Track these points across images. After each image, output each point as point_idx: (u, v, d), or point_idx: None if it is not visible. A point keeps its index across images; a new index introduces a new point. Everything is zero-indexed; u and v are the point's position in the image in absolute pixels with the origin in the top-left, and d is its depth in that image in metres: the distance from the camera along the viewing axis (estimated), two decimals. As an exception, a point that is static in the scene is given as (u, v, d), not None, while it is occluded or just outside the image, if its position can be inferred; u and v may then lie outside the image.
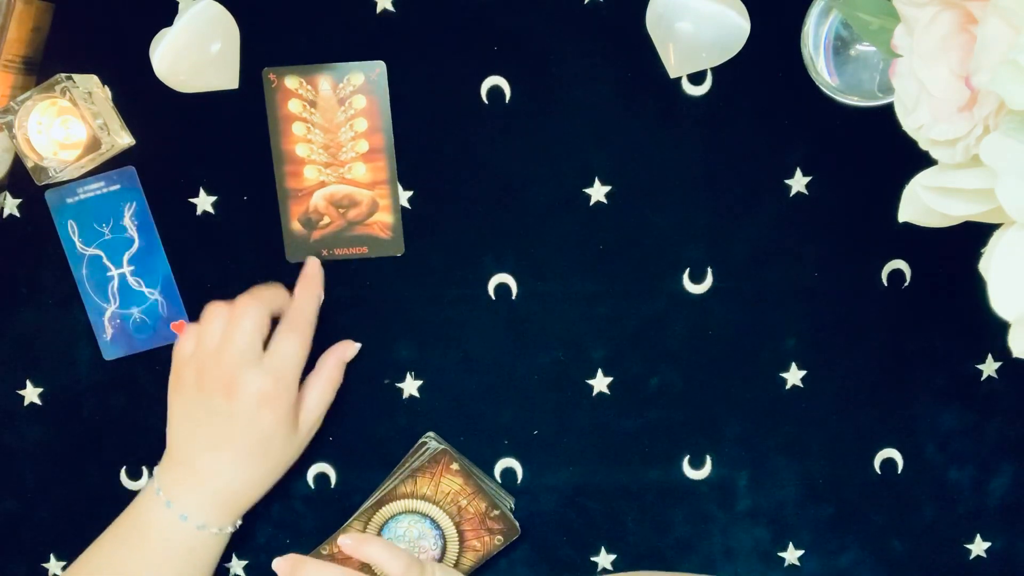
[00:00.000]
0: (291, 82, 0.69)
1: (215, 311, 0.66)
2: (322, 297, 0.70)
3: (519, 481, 0.73)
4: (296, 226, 0.71)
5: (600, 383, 0.72)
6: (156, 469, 0.67)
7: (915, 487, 0.73)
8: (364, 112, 0.69)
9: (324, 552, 0.72)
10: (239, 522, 0.68)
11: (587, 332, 0.72)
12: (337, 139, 0.69)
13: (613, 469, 0.73)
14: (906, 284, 0.71)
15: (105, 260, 0.71)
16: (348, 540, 0.61)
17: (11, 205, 0.71)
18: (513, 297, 0.71)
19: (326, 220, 0.71)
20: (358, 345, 0.71)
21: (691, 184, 0.70)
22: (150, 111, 0.70)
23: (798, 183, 0.70)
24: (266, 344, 0.66)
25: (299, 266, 0.70)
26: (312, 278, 0.69)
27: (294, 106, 0.69)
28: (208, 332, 0.66)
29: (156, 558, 0.65)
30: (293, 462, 0.69)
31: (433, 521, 0.71)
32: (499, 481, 0.73)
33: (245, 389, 0.65)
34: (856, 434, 0.72)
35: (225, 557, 0.70)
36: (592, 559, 0.74)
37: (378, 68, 0.69)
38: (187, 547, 0.65)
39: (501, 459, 0.73)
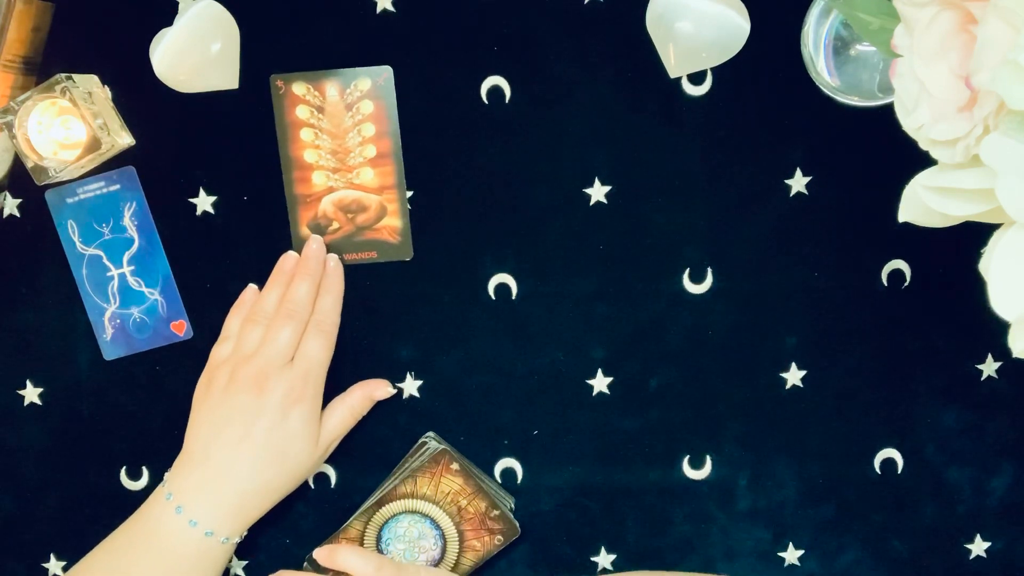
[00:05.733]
0: (298, 88, 0.69)
1: (252, 323, 0.69)
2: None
3: (519, 481, 0.73)
4: (305, 232, 0.71)
5: (600, 383, 0.72)
6: (167, 474, 0.67)
7: (915, 487, 0.73)
8: (371, 117, 0.69)
9: (324, 552, 0.72)
10: (245, 533, 0.68)
11: (587, 332, 0.72)
12: (345, 144, 0.70)
13: (613, 469, 0.73)
14: (906, 284, 0.71)
15: (105, 260, 0.71)
16: (322, 552, 0.65)
17: (11, 205, 0.71)
18: (513, 297, 0.72)
19: (335, 225, 0.71)
20: (393, 391, 0.71)
21: (691, 184, 0.70)
22: (150, 111, 0.70)
23: (798, 183, 0.70)
24: None
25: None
26: (333, 279, 0.70)
27: (302, 112, 0.69)
28: (246, 339, 0.68)
29: (162, 564, 0.65)
30: (304, 479, 0.70)
31: (433, 521, 0.71)
32: (499, 481, 0.73)
33: (275, 387, 0.66)
34: (856, 434, 0.72)
35: (225, 557, 0.70)
36: (592, 559, 0.74)
37: (385, 73, 0.69)
38: (194, 555, 0.65)
39: (501, 459, 0.73)
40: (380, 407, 0.72)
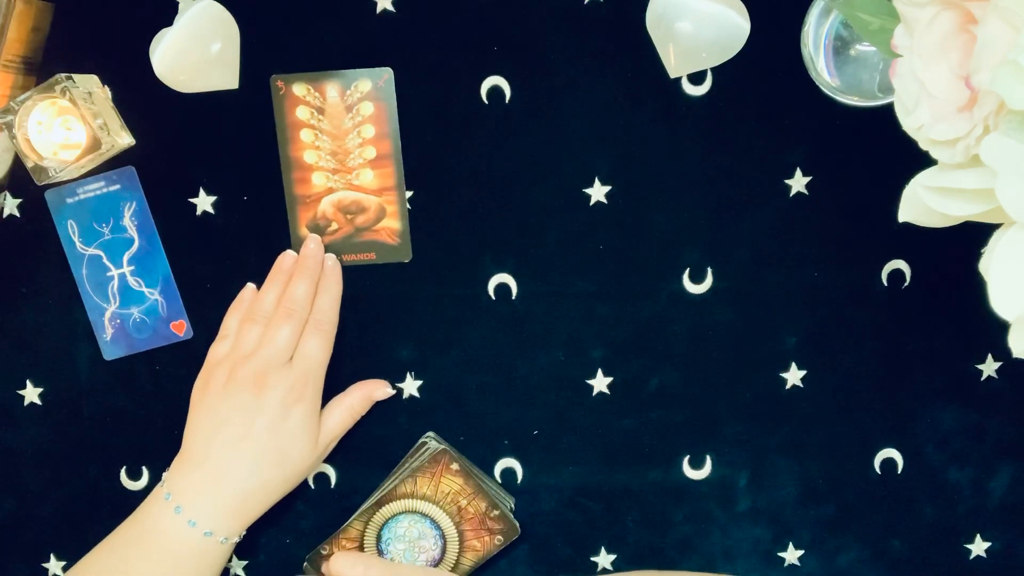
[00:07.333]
0: (299, 89, 0.69)
1: (250, 322, 0.69)
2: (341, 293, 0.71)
3: (519, 481, 0.73)
4: (305, 232, 0.71)
5: (600, 383, 0.72)
6: (166, 474, 0.67)
7: (915, 487, 0.73)
8: (371, 118, 0.69)
9: (324, 552, 0.72)
10: (243, 533, 0.68)
11: (587, 332, 0.72)
12: (345, 145, 0.70)
13: (613, 469, 0.73)
14: (906, 284, 0.71)
15: (105, 260, 0.71)
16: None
17: (11, 205, 0.71)
18: (513, 297, 0.72)
19: (334, 226, 0.71)
20: (392, 391, 0.71)
21: (691, 184, 0.70)
22: (150, 111, 0.70)
23: (798, 183, 0.70)
24: None
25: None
26: (331, 278, 0.70)
27: (302, 113, 0.69)
28: (244, 337, 0.68)
29: (161, 564, 0.65)
30: (303, 478, 0.70)
31: (433, 521, 0.71)
32: (499, 481, 0.73)
33: (275, 386, 0.66)
34: (856, 434, 0.72)
35: (225, 557, 0.70)
36: (592, 559, 0.74)
37: (385, 75, 0.69)
38: (193, 555, 0.65)
39: (501, 459, 0.73)
40: (380, 407, 0.72)
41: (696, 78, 0.69)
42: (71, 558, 0.73)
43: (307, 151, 0.70)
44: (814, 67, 0.65)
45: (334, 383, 0.70)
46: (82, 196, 0.70)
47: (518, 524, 0.71)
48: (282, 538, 0.73)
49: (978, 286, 0.44)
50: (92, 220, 0.71)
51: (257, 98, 0.70)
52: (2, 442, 0.73)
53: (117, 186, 0.71)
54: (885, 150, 0.68)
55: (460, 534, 0.71)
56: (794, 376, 0.72)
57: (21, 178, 0.69)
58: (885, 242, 0.70)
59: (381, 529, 0.71)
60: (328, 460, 0.73)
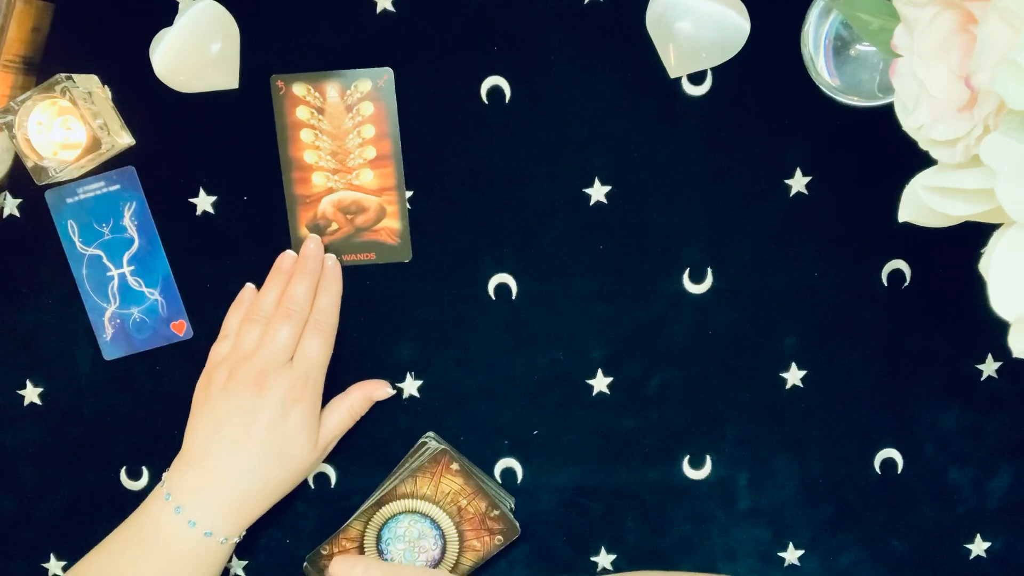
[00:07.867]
0: (299, 89, 0.69)
1: (251, 322, 0.69)
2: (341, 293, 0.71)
3: (519, 481, 0.73)
4: (305, 232, 0.71)
5: (600, 383, 0.72)
6: (166, 474, 0.67)
7: (915, 487, 0.73)
8: (372, 118, 0.69)
9: (324, 552, 0.72)
10: (243, 533, 0.68)
11: (587, 332, 0.72)
12: (345, 145, 0.70)
13: (613, 469, 0.73)
14: (906, 284, 0.71)
15: (105, 260, 0.71)
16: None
17: (11, 205, 0.71)
18: (513, 297, 0.72)
19: (334, 226, 0.71)
20: (392, 391, 0.71)
21: (691, 184, 0.70)
22: (150, 111, 0.70)
23: (798, 183, 0.70)
24: None
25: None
26: (331, 278, 0.70)
27: (302, 113, 0.69)
28: (244, 337, 0.68)
29: (161, 565, 0.65)
30: (303, 478, 0.70)
31: (433, 521, 0.71)
32: (499, 481, 0.73)
33: (275, 386, 0.66)
34: (856, 434, 0.72)
35: (225, 557, 0.70)
36: (592, 559, 0.74)
37: (385, 75, 0.69)
38: (193, 555, 0.65)
39: (501, 459, 0.73)
40: (380, 407, 0.72)
41: (696, 78, 0.69)
42: (71, 558, 0.73)
43: (307, 151, 0.70)
44: (814, 67, 0.65)
45: (334, 383, 0.70)
46: (82, 196, 0.70)
47: (518, 524, 0.71)
48: (282, 538, 0.73)
49: (978, 286, 0.44)
50: (92, 220, 0.71)
51: (257, 98, 0.70)
52: (2, 442, 0.73)
53: (117, 186, 0.71)
54: (885, 150, 0.68)
55: (460, 534, 0.71)
56: (794, 376, 0.72)
57: (21, 178, 0.69)
58: (885, 242, 0.70)
59: (381, 529, 0.71)
60: (328, 460, 0.73)
